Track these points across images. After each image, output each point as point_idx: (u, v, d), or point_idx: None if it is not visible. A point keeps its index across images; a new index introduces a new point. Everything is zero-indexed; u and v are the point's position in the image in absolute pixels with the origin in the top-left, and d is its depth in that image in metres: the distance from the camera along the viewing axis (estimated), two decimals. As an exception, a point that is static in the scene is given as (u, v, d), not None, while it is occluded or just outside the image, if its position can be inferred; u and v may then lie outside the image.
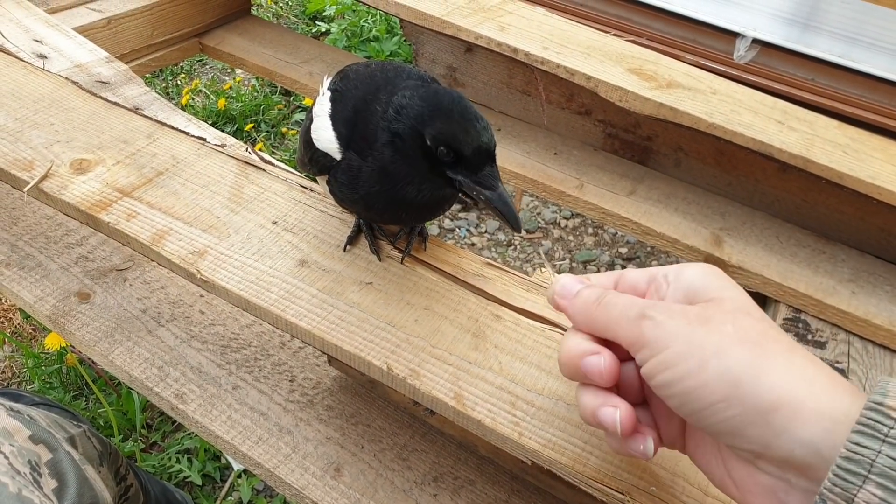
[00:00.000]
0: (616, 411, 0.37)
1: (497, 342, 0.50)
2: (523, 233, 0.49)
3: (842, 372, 0.79)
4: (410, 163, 0.49)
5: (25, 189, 0.63)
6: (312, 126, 0.56)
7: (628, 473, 0.43)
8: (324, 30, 2.27)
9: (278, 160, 0.70)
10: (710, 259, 0.91)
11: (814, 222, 0.96)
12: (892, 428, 0.29)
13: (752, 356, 0.33)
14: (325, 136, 0.54)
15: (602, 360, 0.37)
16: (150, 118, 0.74)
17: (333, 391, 0.67)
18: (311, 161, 0.57)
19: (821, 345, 0.82)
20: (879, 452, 0.29)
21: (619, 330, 0.37)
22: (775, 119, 0.87)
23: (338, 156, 0.53)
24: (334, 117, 0.54)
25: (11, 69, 0.78)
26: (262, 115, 1.96)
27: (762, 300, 0.93)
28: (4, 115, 0.70)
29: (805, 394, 0.32)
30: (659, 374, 0.35)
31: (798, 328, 0.84)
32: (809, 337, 0.83)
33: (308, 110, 0.60)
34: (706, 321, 0.35)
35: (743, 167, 0.99)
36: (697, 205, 0.99)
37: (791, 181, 0.95)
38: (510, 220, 0.45)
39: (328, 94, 0.56)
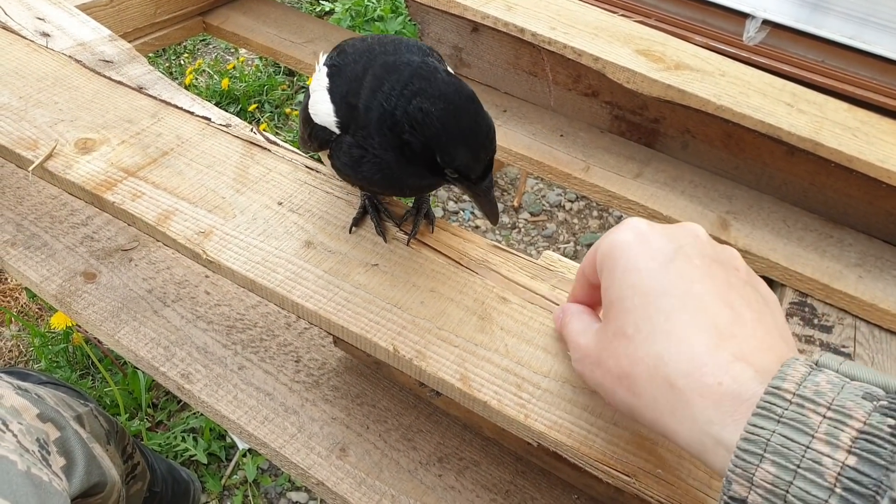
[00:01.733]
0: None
1: (503, 324, 0.50)
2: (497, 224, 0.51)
3: (848, 356, 0.79)
4: (414, 163, 0.49)
5: (30, 168, 0.63)
6: (310, 101, 0.55)
7: (634, 456, 0.43)
8: (328, 9, 2.25)
9: (282, 140, 0.70)
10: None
11: (821, 206, 0.95)
12: (786, 409, 0.31)
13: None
14: (322, 110, 0.53)
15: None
16: (155, 97, 0.74)
17: (339, 372, 0.67)
18: (311, 137, 0.56)
19: (827, 329, 0.82)
20: (774, 432, 0.31)
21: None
22: (784, 101, 0.86)
23: (336, 130, 0.53)
24: (332, 91, 0.53)
25: (14, 47, 0.77)
26: (266, 95, 1.95)
27: (769, 284, 0.92)
28: (8, 94, 0.70)
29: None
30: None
31: (804, 312, 0.84)
32: (815, 321, 0.83)
33: (308, 88, 0.59)
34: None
35: (750, 150, 0.98)
36: (704, 188, 0.99)
37: (799, 164, 0.94)
38: (490, 217, 0.50)
39: (325, 69, 0.55)
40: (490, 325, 0.50)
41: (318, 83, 0.55)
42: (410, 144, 0.48)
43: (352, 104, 0.51)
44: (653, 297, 0.36)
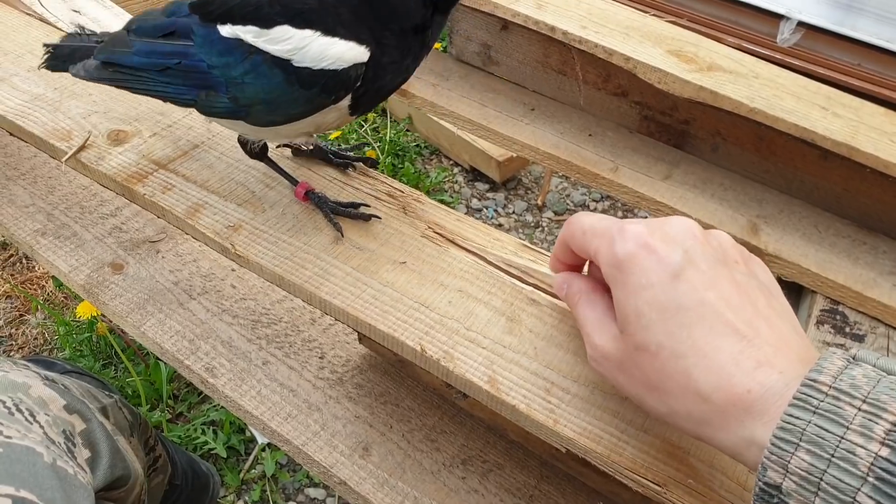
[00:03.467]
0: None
1: (532, 327, 0.50)
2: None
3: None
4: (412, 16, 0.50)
5: (64, 159, 0.63)
6: (310, 54, 0.50)
7: (665, 465, 0.42)
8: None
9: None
10: (746, 247, 0.89)
11: (854, 212, 0.93)
12: (822, 401, 0.32)
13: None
14: (333, 51, 0.49)
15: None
16: (185, 91, 0.74)
17: (363, 369, 0.67)
18: (331, 90, 0.51)
19: (859, 338, 0.80)
20: (809, 422, 0.32)
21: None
22: (819, 105, 0.85)
23: (365, 58, 0.50)
24: (331, 29, 0.49)
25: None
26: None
27: (799, 290, 0.91)
28: (44, 85, 0.70)
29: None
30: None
31: (836, 320, 0.82)
32: (847, 329, 0.81)
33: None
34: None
35: (782, 154, 0.96)
36: (734, 191, 0.97)
37: (832, 169, 0.93)
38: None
39: (279, 32, 0.50)
40: (519, 326, 0.50)
41: (293, 41, 0.50)
42: None
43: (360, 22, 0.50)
44: (670, 312, 0.37)
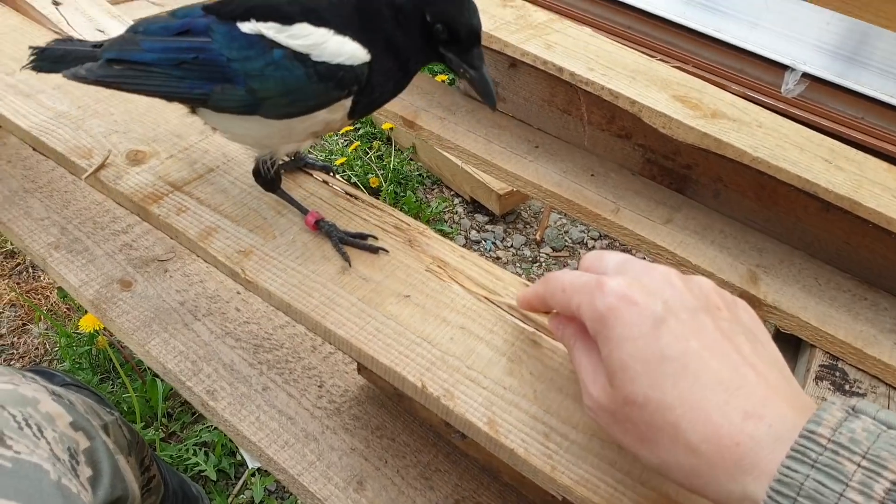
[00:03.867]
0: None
1: (533, 369, 0.51)
2: (497, 108, 0.60)
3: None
4: (410, 38, 0.54)
5: (84, 177, 0.64)
6: (315, 56, 0.54)
7: (658, 512, 0.43)
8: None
9: (313, 159, 0.72)
10: (744, 296, 0.90)
11: (856, 266, 0.94)
12: (820, 455, 0.32)
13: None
14: (340, 49, 0.54)
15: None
16: (202, 115, 0.75)
17: (360, 401, 0.67)
18: (338, 84, 0.55)
19: (859, 396, 0.81)
20: (808, 476, 0.31)
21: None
22: (822, 157, 0.86)
23: (366, 59, 0.54)
24: (342, 29, 0.54)
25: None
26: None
27: (797, 344, 0.91)
28: (69, 103, 0.72)
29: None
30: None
31: (835, 377, 0.83)
32: (847, 387, 0.81)
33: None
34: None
35: (784, 203, 0.98)
36: (735, 239, 0.98)
37: (834, 222, 0.94)
38: (487, 97, 0.55)
39: (298, 29, 0.54)
40: (520, 367, 0.51)
41: (308, 38, 0.54)
42: (403, 9, 0.53)
43: (363, 27, 0.54)
44: (654, 364, 0.37)
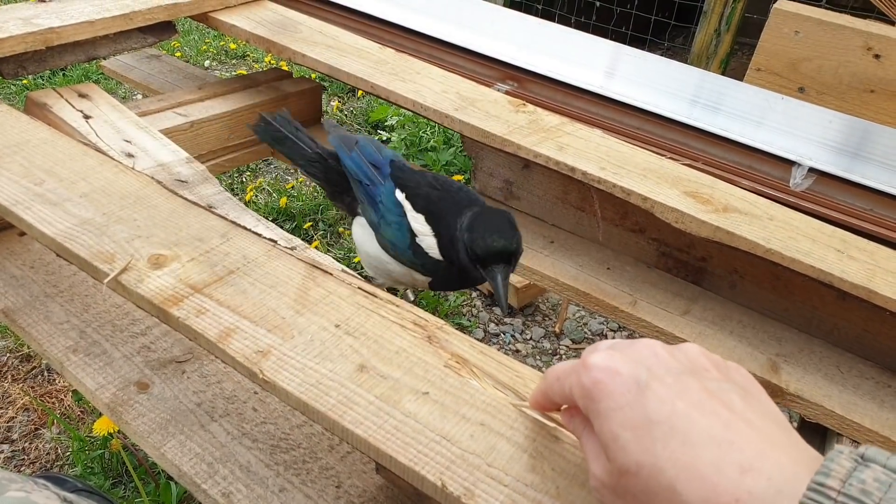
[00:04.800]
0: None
1: (555, 465, 0.50)
2: (506, 312, 0.76)
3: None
4: (463, 255, 0.75)
5: (105, 281, 0.66)
6: (420, 242, 0.80)
7: None
8: (384, 138, 2.38)
9: (333, 258, 0.75)
10: (766, 386, 0.88)
11: (876, 354, 0.93)
12: None
13: None
14: (430, 245, 0.79)
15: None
16: (224, 217, 0.78)
17: (379, 501, 0.66)
18: (423, 265, 0.81)
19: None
20: None
21: None
22: (835, 248, 0.87)
23: (439, 257, 0.79)
24: (439, 243, 0.79)
25: (104, 167, 0.83)
26: (321, 214, 2.04)
27: (823, 433, 0.89)
28: (94, 210, 0.75)
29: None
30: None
31: (864, 466, 0.80)
32: (876, 477, 0.79)
33: (367, 187, 0.85)
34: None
35: (800, 293, 0.98)
36: (753, 328, 0.98)
37: (851, 310, 0.94)
38: (498, 301, 0.75)
39: (418, 215, 0.80)
40: (541, 464, 0.50)
41: (417, 225, 0.80)
42: (463, 242, 0.74)
43: (442, 240, 0.78)
44: (642, 429, 0.37)
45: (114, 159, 0.86)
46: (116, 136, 0.95)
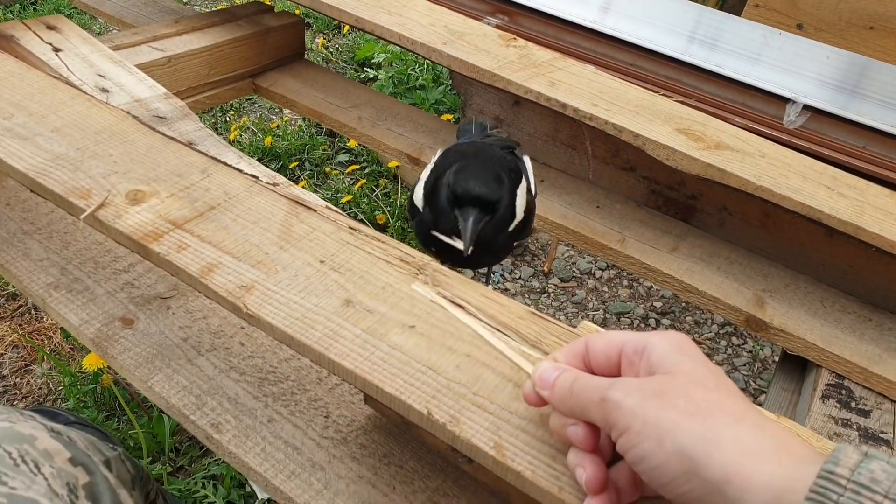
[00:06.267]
0: (584, 473, 0.41)
1: (539, 394, 0.50)
2: (468, 252, 0.73)
3: (887, 443, 0.76)
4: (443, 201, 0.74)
5: (82, 217, 0.65)
6: (416, 188, 0.82)
7: (670, 539, 0.42)
8: (371, 76, 2.33)
9: (320, 198, 0.73)
10: (751, 320, 0.89)
11: (860, 289, 0.94)
12: (841, 496, 0.31)
13: (703, 430, 0.35)
14: (417, 194, 0.81)
15: (579, 430, 0.42)
16: (204, 154, 0.76)
17: (367, 430, 0.66)
18: (410, 210, 0.83)
19: (865, 413, 0.79)
20: None
21: (591, 414, 0.41)
22: (825, 185, 0.86)
23: (420, 206, 0.79)
24: (426, 182, 0.80)
25: (76, 102, 0.81)
26: (307, 154, 2.01)
27: (804, 364, 0.90)
28: (66, 145, 0.72)
29: (752, 466, 0.34)
30: (627, 453, 0.38)
31: (841, 395, 0.82)
32: (853, 405, 0.80)
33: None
34: (660, 395, 0.37)
35: (788, 230, 0.98)
36: (740, 265, 0.98)
37: (838, 246, 0.94)
38: (463, 241, 0.71)
39: (428, 168, 0.82)
40: (526, 393, 0.50)
41: (424, 174, 0.82)
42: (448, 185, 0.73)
43: (431, 190, 0.77)
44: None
45: (86, 94, 0.83)
46: (89, 70, 0.92)
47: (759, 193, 0.84)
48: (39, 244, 0.84)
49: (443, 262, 0.80)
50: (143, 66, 1.08)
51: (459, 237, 0.74)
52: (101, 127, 0.77)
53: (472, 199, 0.71)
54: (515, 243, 0.83)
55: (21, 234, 0.85)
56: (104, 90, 0.91)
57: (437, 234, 0.77)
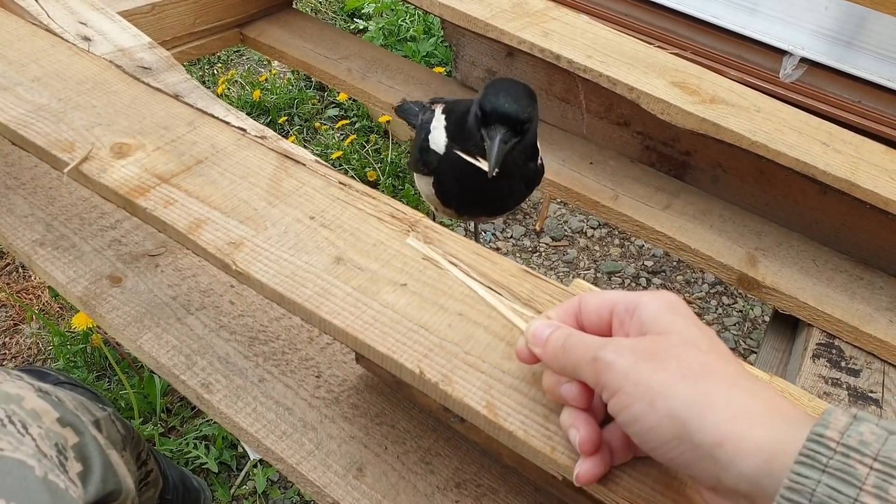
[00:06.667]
0: (577, 434, 0.41)
1: (532, 352, 0.50)
2: (493, 173, 0.70)
3: (876, 402, 0.77)
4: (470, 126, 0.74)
5: (65, 170, 0.63)
6: (430, 136, 0.81)
7: (662, 496, 0.42)
8: (361, 27, 2.28)
9: (310, 153, 0.71)
10: (744, 279, 0.89)
11: (852, 247, 0.94)
12: (831, 458, 0.31)
13: (694, 393, 0.35)
14: (438, 137, 0.79)
15: (573, 388, 0.41)
16: (191, 106, 0.74)
17: (359, 389, 0.66)
18: (424, 162, 0.82)
19: (855, 373, 0.80)
20: (819, 482, 0.30)
21: (582, 373, 0.40)
22: (820, 140, 0.85)
23: (442, 150, 0.77)
24: (447, 127, 0.79)
25: (57, 50, 0.78)
26: (297, 108, 1.97)
27: (795, 323, 0.91)
28: (48, 96, 0.70)
29: (743, 429, 0.33)
30: (618, 415, 0.38)
31: (832, 354, 0.82)
32: (843, 364, 0.81)
33: (419, 128, 0.90)
34: (652, 357, 0.37)
35: (782, 187, 0.97)
36: (733, 223, 0.98)
37: (831, 204, 0.93)
38: (489, 162, 0.69)
39: (441, 115, 0.82)
40: (518, 352, 0.50)
41: (437, 122, 0.81)
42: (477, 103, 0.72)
43: (455, 128, 0.78)
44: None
45: (67, 42, 0.80)
46: (70, 17, 0.88)
47: (753, 149, 0.83)
48: (24, 199, 0.82)
49: (460, 215, 0.85)
50: (126, 14, 1.05)
51: (485, 158, 0.71)
52: (83, 77, 0.75)
53: (500, 117, 0.69)
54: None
55: (4, 189, 0.83)
56: (86, 38, 0.88)
57: (461, 153, 0.75)
